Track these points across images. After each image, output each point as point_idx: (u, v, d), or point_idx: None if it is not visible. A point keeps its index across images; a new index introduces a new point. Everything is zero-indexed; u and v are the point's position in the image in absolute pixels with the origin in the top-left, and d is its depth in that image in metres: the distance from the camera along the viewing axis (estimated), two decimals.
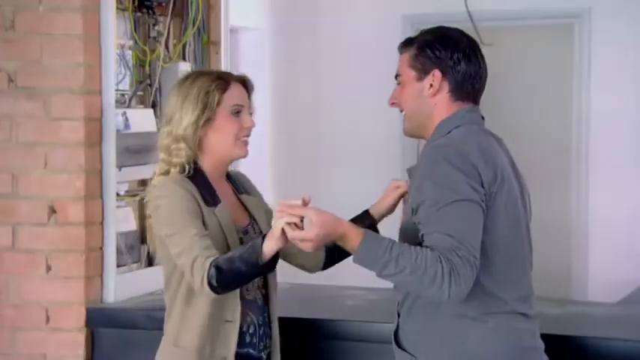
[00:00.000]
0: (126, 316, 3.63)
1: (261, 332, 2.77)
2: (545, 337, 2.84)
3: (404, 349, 2.54)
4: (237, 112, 2.72)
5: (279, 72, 6.56)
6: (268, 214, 2.88)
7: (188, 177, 2.70)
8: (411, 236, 2.45)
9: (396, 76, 2.63)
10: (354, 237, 2.36)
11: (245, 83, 2.78)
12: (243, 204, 2.83)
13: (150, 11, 4.06)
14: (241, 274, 2.54)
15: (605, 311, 3.76)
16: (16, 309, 3.66)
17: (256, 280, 2.74)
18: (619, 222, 5.87)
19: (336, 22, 6.45)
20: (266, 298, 2.80)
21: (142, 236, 4.06)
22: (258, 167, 5.49)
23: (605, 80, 5.92)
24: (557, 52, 6.47)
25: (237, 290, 2.68)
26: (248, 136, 2.75)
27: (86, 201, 3.60)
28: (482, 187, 2.40)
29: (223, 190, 2.79)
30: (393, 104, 2.64)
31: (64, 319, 3.62)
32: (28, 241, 3.63)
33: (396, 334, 2.58)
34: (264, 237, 2.51)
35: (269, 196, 3.13)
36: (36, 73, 3.61)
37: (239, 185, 2.88)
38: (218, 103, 2.69)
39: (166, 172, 2.73)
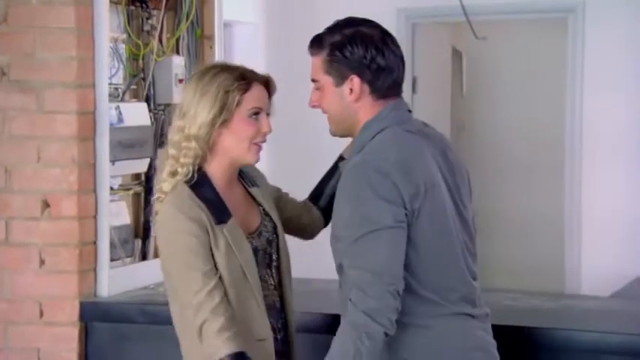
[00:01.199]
0: (119, 310, 3.63)
1: (280, 337, 2.64)
2: (539, 330, 2.85)
3: None
4: (255, 114, 2.56)
5: (274, 66, 6.52)
6: (276, 198, 2.78)
7: (193, 186, 2.54)
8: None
9: (313, 80, 2.52)
10: None
11: (267, 84, 2.62)
12: (254, 198, 2.70)
13: (143, 5, 4.06)
14: None
15: (598, 304, 3.77)
16: (10, 303, 3.65)
17: (272, 281, 2.64)
18: (612, 216, 5.88)
19: (331, 16, 6.42)
20: (282, 299, 2.67)
21: (136, 230, 4.06)
22: None
23: (599, 75, 5.91)
24: (551, 47, 6.47)
25: (259, 300, 2.55)
26: (264, 141, 2.61)
27: (79, 195, 3.60)
28: (405, 207, 2.33)
29: (233, 195, 2.62)
30: (314, 106, 2.54)
31: (58, 314, 3.61)
32: (21, 236, 3.63)
33: None
34: None
35: None
36: (29, 67, 3.60)
37: (248, 179, 2.72)
38: (237, 105, 2.53)
39: (175, 173, 2.56)
